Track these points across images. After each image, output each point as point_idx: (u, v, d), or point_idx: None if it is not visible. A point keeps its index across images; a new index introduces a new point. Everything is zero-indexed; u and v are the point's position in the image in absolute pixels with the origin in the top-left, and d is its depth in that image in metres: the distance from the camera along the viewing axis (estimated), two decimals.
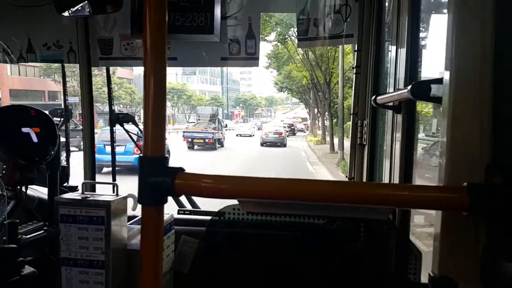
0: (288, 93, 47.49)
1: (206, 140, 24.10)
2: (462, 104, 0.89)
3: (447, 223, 0.90)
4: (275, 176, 0.91)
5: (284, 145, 29.93)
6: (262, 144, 29.84)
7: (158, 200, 0.88)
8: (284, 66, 34.42)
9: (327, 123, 28.52)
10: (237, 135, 40.03)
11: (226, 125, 34.34)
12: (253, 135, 40.94)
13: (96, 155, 4.64)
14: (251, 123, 59.51)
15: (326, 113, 27.29)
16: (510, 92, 0.87)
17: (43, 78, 36.78)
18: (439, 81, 1.08)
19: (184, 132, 25.40)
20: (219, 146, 25.81)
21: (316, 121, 40.49)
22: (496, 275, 0.82)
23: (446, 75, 0.93)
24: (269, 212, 0.91)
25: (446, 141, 0.90)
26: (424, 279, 1.27)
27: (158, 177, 0.88)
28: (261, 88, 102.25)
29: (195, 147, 23.77)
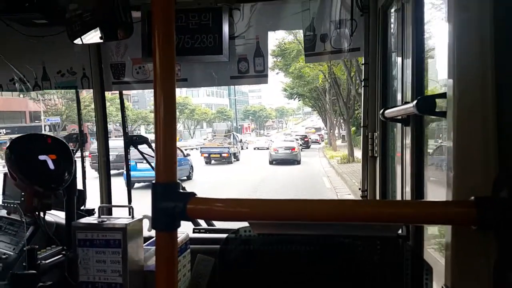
0: (299, 100, 41.03)
1: (223, 155, 25.53)
2: (467, 119, 0.90)
3: (457, 237, 0.90)
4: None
5: (298, 162, 25.57)
6: (271, 163, 25.17)
7: (171, 224, 0.91)
8: (293, 63, 27.55)
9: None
10: (254, 148, 40.59)
11: (241, 139, 36.45)
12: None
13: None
14: (265, 137, 58.71)
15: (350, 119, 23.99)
16: None
17: (23, 97, 33.28)
18: (443, 95, 1.09)
19: (201, 148, 27.47)
20: (235, 160, 26.87)
21: (335, 130, 35.74)
22: None
23: (450, 90, 0.94)
24: (281, 232, 0.92)
25: (452, 155, 0.91)
26: None
27: (170, 202, 0.90)
28: (271, 99, 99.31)
29: (212, 161, 25.05)
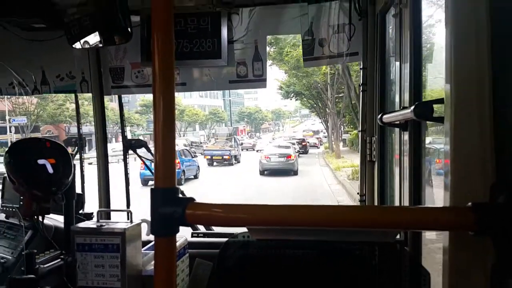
0: (297, 99, 35.97)
1: (224, 157, 26.69)
2: (464, 124, 0.91)
3: (454, 243, 0.90)
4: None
5: (295, 173, 21.39)
6: (262, 173, 21.32)
7: (169, 230, 0.91)
8: (292, 51, 22.65)
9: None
10: (257, 151, 40.20)
11: (242, 143, 37.96)
12: None
13: (143, 171, 11.61)
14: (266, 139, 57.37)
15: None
16: (510, 110, 0.88)
17: None
18: (441, 101, 1.09)
19: (204, 150, 29.08)
20: (236, 162, 27.89)
21: (338, 133, 29.96)
22: None
23: (447, 96, 0.94)
24: (279, 238, 0.92)
25: (450, 161, 0.91)
26: None
27: (169, 207, 0.90)
28: (267, 102, 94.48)
29: (214, 163, 26.29)
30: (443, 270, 0.92)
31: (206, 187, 16.73)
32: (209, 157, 26.68)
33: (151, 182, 13.04)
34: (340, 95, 25.93)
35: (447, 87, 0.94)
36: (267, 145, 28.56)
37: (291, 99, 35.27)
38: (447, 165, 0.92)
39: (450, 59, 0.92)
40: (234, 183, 18.03)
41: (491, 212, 0.81)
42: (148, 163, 2.83)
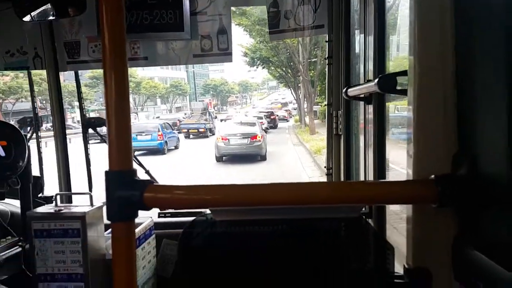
0: (263, 68, 31.59)
1: (200, 130, 27.69)
2: (427, 96, 0.90)
3: (418, 216, 0.90)
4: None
5: (263, 157, 16.65)
6: (219, 159, 16.70)
7: (127, 215, 0.86)
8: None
9: None
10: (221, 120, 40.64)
11: (216, 116, 39.23)
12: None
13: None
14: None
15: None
16: (473, 82, 0.87)
17: None
18: (404, 73, 1.08)
19: (181, 124, 30.07)
20: (211, 134, 28.70)
21: (312, 104, 25.01)
22: (466, 264, 0.83)
23: (411, 68, 0.93)
24: (243, 218, 0.90)
25: (412, 133, 0.91)
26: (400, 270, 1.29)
27: (126, 191, 0.85)
28: (234, 74, 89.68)
29: (191, 136, 27.52)
30: (407, 241, 0.93)
31: (187, 155, 18.45)
32: (185, 130, 27.78)
33: (137, 153, 14.83)
34: (313, 59, 23.43)
35: (410, 59, 0.92)
36: (226, 121, 24.30)
37: (257, 67, 31.81)
38: (410, 137, 0.91)
39: (414, 31, 0.90)
40: (209, 152, 18.00)
41: (453, 184, 0.81)
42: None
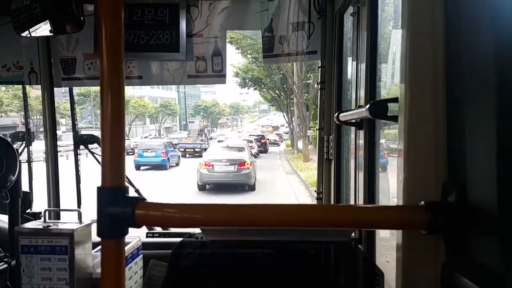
0: (255, 89, 30.58)
1: (195, 149, 29.52)
2: (417, 123, 0.92)
3: (407, 242, 0.91)
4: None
5: (251, 187, 14.90)
6: (201, 188, 14.97)
7: (117, 232, 0.85)
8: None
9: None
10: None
11: (211, 137, 41.65)
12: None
13: (136, 158, 19.60)
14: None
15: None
16: (464, 111, 0.90)
17: None
18: (395, 100, 1.11)
19: (179, 144, 31.56)
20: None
21: (306, 128, 23.72)
22: None
23: (402, 95, 0.95)
24: (234, 239, 0.90)
25: (403, 160, 0.92)
26: None
27: (117, 207, 0.85)
28: (225, 96, 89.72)
29: (187, 155, 28.70)
30: (396, 267, 0.93)
31: (186, 171, 18.60)
32: (182, 149, 29.12)
33: (142, 168, 19.04)
34: (309, 80, 23.06)
35: (401, 86, 0.95)
36: (211, 145, 22.46)
37: (248, 88, 31.40)
38: (400, 164, 0.93)
39: (405, 59, 0.93)
40: None
41: (443, 211, 0.82)
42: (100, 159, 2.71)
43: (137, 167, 20.29)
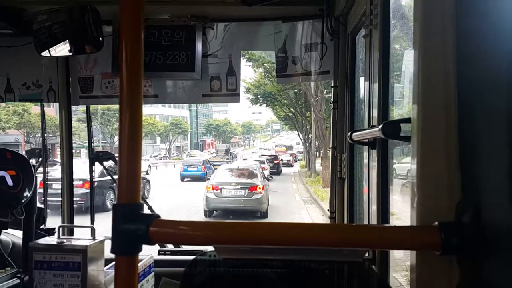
0: (267, 105, 29.53)
1: None
2: (430, 144, 0.92)
3: (421, 262, 0.90)
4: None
5: (263, 215, 13.60)
6: (207, 215, 13.76)
7: (131, 248, 0.86)
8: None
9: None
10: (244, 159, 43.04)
11: (236, 155, 48.06)
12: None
13: (182, 172, 28.63)
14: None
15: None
16: (476, 131, 0.90)
17: None
18: (408, 120, 1.11)
19: (210, 161, 35.50)
20: None
21: (326, 148, 19.09)
22: None
23: (414, 115, 0.96)
24: (247, 257, 0.90)
25: (416, 180, 0.92)
26: None
27: (132, 224, 0.86)
28: (238, 115, 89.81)
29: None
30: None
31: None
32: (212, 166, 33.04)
33: (186, 179, 28.25)
34: (329, 95, 21.61)
35: (414, 107, 0.95)
36: (220, 167, 18.45)
37: (260, 105, 30.02)
38: (413, 184, 0.93)
39: (418, 80, 0.94)
40: None
41: (457, 232, 0.81)
42: (116, 177, 2.75)
43: (182, 179, 27.33)
